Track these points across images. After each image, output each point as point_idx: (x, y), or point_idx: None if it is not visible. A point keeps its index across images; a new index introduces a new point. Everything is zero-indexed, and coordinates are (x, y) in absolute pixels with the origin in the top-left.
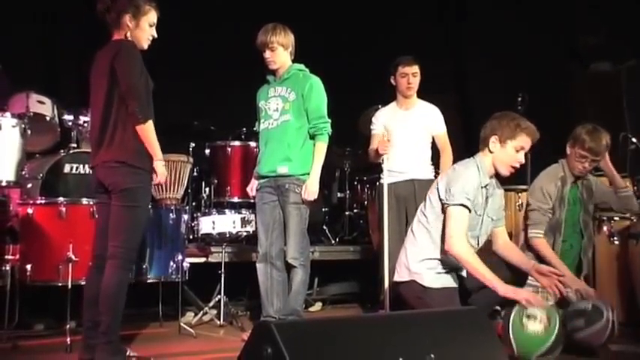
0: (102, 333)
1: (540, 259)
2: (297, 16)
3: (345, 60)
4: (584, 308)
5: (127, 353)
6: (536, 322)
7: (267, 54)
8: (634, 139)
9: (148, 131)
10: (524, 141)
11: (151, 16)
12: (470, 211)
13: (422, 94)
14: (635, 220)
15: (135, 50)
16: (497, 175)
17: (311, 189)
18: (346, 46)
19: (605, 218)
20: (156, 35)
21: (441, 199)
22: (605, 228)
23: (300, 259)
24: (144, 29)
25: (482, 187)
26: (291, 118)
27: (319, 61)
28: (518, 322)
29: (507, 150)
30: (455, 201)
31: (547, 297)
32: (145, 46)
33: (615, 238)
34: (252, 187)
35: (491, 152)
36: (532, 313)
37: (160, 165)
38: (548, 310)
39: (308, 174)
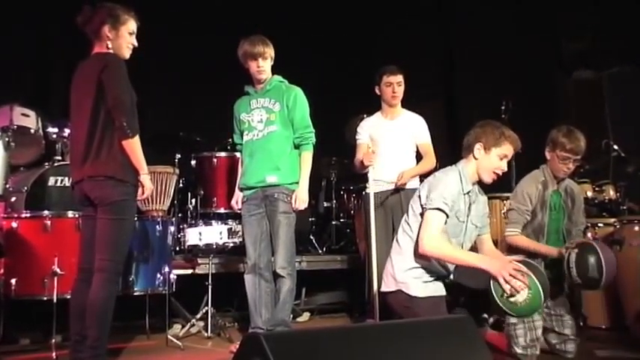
0: (89, 347)
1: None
2: (283, 26)
3: (330, 69)
4: (575, 267)
5: None
6: (519, 294)
7: (261, 63)
8: (616, 146)
9: (134, 146)
10: (507, 149)
11: (130, 25)
12: (447, 216)
13: (410, 101)
14: (618, 227)
15: (121, 63)
16: (479, 183)
17: (301, 197)
18: (331, 55)
19: (589, 224)
20: (136, 44)
21: (422, 205)
22: (589, 234)
23: (289, 268)
24: (124, 38)
25: (464, 194)
26: (277, 129)
27: (305, 71)
28: (508, 305)
29: (491, 157)
30: (432, 205)
31: None
32: (127, 55)
33: None
34: (237, 200)
35: (475, 159)
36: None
37: (146, 179)
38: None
39: (296, 183)
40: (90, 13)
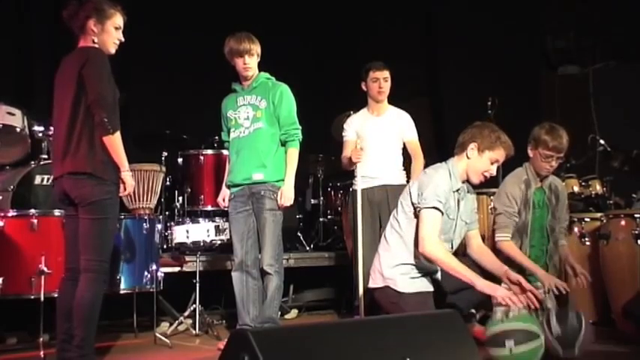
0: (76, 346)
1: (510, 261)
2: (269, 23)
3: (317, 66)
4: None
5: None
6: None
7: (247, 60)
8: (602, 141)
9: (115, 142)
10: (500, 154)
11: (116, 20)
12: (442, 214)
13: (396, 98)
14: (604, 221)
15: (103, 58)
16: (468, 181)
17: (287, 194)
18: (318, 51)
19: (575, 219)
20: (122, 39)
21: (413, 204)
22: (575, 229)
23: (275, 265)
24: (109, 33)
25: (454, 191)
26: (263, 126)
27: (291, 68)
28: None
29: (483, 159)
30: (427, 204)
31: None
32: (112, 50)
33: (586, 239)
34: (223, 197)
35: (468, 158)
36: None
37: (127, 176)
38: (523, 319)
39: (282, 180)
40: (76, 8)
